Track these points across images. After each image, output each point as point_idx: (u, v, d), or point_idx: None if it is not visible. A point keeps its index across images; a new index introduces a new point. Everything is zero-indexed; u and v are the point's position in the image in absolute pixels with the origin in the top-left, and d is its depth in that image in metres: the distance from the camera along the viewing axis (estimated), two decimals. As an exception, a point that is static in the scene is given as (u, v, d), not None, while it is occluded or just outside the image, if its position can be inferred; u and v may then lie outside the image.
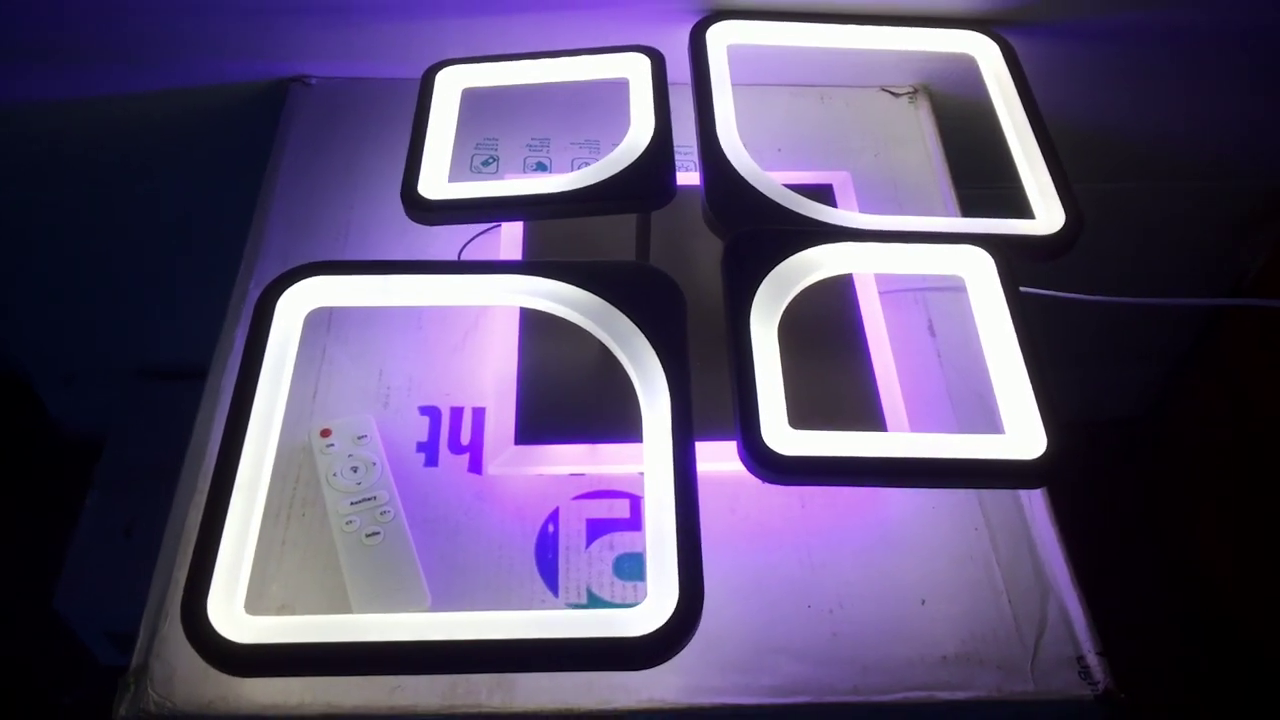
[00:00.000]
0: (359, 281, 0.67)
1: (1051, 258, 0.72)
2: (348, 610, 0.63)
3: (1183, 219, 1.10)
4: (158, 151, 0.95)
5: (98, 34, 0.86)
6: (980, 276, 0.67)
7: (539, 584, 0.65)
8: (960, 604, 0.65)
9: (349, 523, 0.65)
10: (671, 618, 0.54)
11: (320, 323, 0.77)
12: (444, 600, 0.64)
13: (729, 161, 0.73)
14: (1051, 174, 0.75)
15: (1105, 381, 1.33)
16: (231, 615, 0.55)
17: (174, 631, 0.62)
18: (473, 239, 0.81)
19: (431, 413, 0.72)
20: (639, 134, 0.73)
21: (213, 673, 0.59)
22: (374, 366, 0.75)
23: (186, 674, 0.61)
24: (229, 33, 0.87)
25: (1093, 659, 0.63)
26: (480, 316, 0.76)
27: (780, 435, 0.59)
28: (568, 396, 0.71)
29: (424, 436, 0.71)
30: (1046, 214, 0.73)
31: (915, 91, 0.93)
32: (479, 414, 0.72)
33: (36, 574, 1.10)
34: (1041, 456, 0.59)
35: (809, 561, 0.66)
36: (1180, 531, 1.34)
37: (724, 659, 0.62)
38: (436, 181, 0.71)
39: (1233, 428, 1.22)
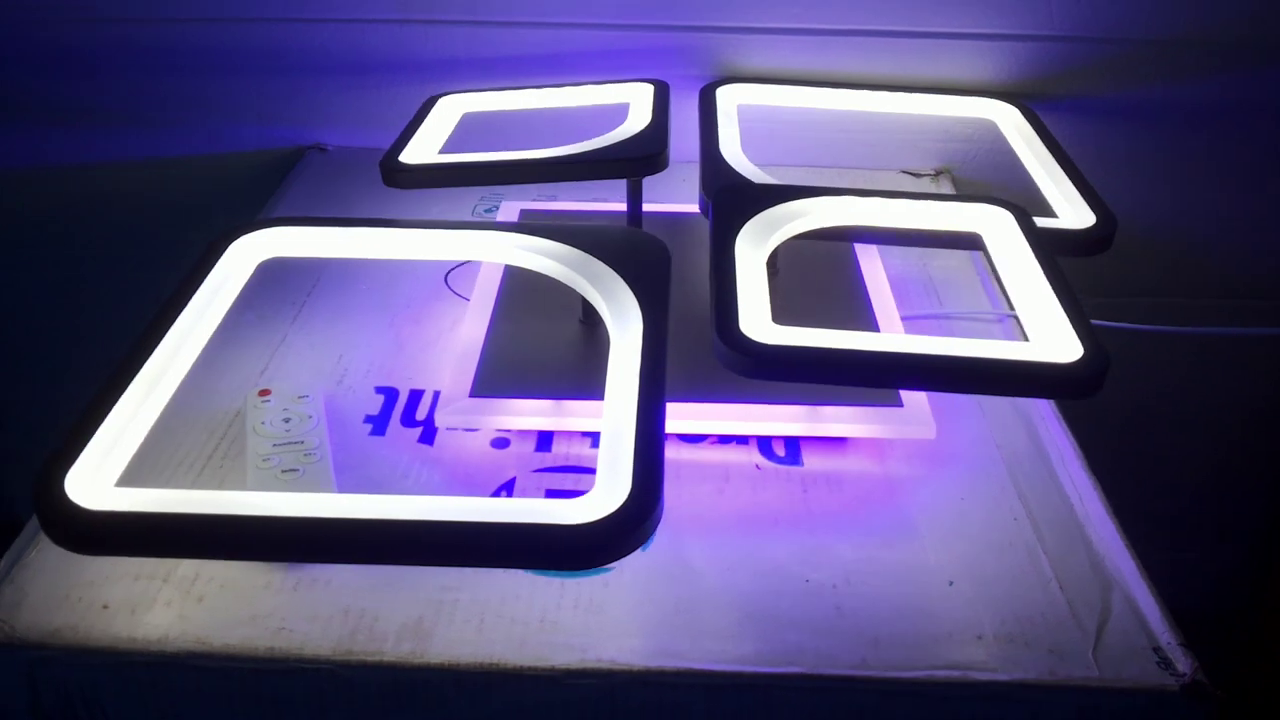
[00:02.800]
0: (317, 233, 0.63)
1: (1087, 253, 0.65)
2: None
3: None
4: (175, 218, 0.95)
5: (121, 95, 0.89)
6: (1001, 233, 0.60)
7: (480, 541, 0.54)
8: (999, 587, 0.52)
9: (266, 460, 0.56)
10: (622, 507, 0.44)
11: (286, 314, 0.71)
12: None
13: (726, 162, 0.70)
14: (1077, 187, 0.70)
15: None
16: (95, 487, 0.45)
17: (39, 558, 0.52)
18: (454, 268, 0.76)
19: (388, 392, 0.65)
20: (636, 121, 0.71)
21: (67, 601, 0.49)
22: (334, 352, 0.68)
23: (37, 601, 0.50)
24: (252, 97, 0.89)
25: (1173, 650, 0.48)
26: (459, 320, 0.70)
27: (761, 329, 0.50)
28: (535, 355, 0.63)
29: (375, 411, 0.63)
30: (1075, 217, 0.67)
31: (937, 174, 0.91)
32: (441, 395, 0.64)
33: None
34: (1079, 361, 0.49)
35: (809, 542, 0.54)
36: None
37: (697, 625, 0.50)
38: (420, 154, 0.68)
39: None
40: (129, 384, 0.51)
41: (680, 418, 0.58)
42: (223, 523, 0.44)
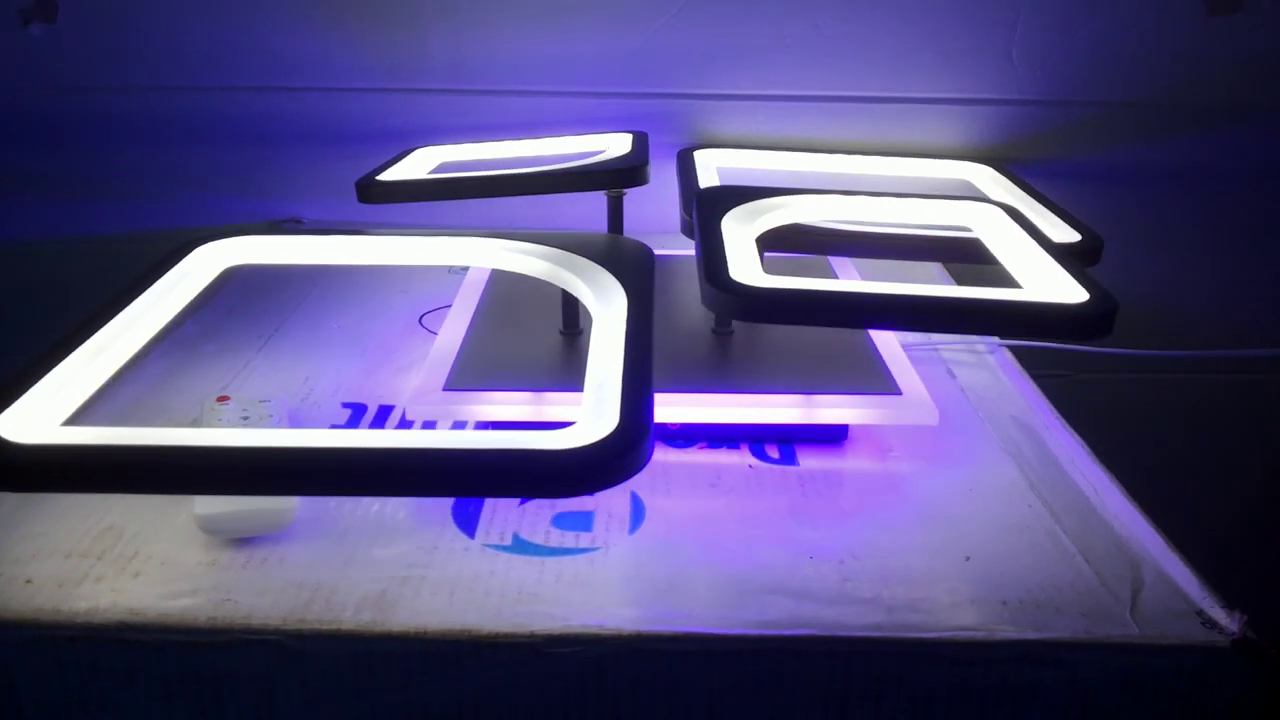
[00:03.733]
0: (285, 241, 0.61)
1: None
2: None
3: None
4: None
5: (94, 166, 0.88)
6: (994, 228, 0.59)
7: (451, 528, 0.49)
8: (1019, 561, 0.48)
9: (219, 400, 0.52)
10: (610, 436, 0.40)
11: (251, 345, 0.68)
12: (315, 534, 0.48)
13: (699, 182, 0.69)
14: (1063, 219, 0.70)
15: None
16: (35, 428, 0.42)
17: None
18: (430, 311, 0.74)
19: (356, 407, 0.61)
20: (616, 150, 0.71)
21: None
22: (300, 374, 0.64)
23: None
24: (227, 168, 0.89)
25: (1216, 612, 0.44)
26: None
27: (751, 276, 0.48)
28: (513, 356, 0.60)
29: (341, 422, 0.59)
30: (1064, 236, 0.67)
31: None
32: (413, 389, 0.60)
33: None
34: (1086, 302, 0.47)
35: (809, 528, 0.50)
36: None
37: (693, 595, 0.45)
38: (395, 176, 0.67)
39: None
40: (78, 346, 0.48)
41: (673, 406, 0.55)
42: (170, 455, 0.40)
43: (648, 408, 0.42)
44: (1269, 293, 0.92)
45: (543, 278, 0.58)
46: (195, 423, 0.57)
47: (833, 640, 0.42)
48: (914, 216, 0.60)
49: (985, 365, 0.67)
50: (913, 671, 0.42)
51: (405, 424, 0.58)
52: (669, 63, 0.84)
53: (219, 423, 0.54)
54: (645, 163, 0.66)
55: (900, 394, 0.56)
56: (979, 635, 0.42)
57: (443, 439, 0.41)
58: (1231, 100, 0.85)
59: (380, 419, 0.59)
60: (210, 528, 0.46)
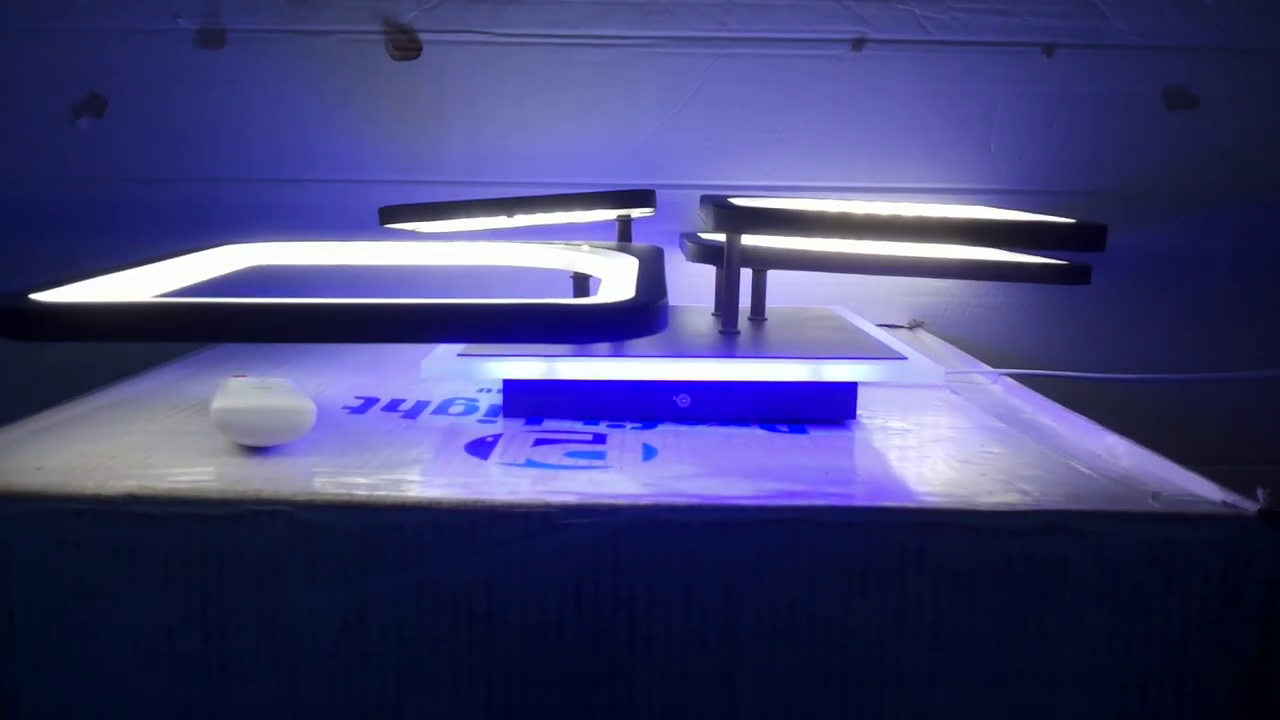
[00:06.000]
0: (305, 246, 0.64)
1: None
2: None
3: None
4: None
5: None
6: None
7: (463, 455, 0.49)
8: (1036, 470, 0.47)
9: (236, 376, 0.52)
10: (629, 300, 0.42)
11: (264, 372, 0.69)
12: (330, 449, 0.48)
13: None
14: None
15: None
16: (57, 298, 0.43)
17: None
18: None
19: (369, 400, 0.61)
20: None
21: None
22: (313, 370, 0.65)
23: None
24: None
25: (1234, 499, 0.43)
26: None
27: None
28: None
29: (355, 405, 0.60)
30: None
31: (913, 327, 0.94)
32: (425, 404, 0.61)
33: None
34: (1075, 223, 0.50)
35: (823, 464, 0.50)
36: None
37: (710, 475, 0.44)
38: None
39: None
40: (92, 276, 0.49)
41: (682, 369, 0.56)
42: (186, 310, 0.41)
43: (661, 288, 0.43)
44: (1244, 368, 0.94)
45: (555, 267, 0.60)
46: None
47: (851, 510, 0.42)
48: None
49: (988, 390, 0.68)
50: (935, 544, 0.41)
51: (414, 412, 0.59)
52: (671, 156, 0.91)
53: (234, 381, 0.55)
54: (653, 193, 0.69)
55: (905, 359, 0.57)
56: (1004, 505, 0.42)
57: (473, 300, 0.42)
58: (1197, 189, 0.91)
59: (393, 406, 0.60)
60: (226, 422, 0.46)
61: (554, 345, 0.58)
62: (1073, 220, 0.49)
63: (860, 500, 0.42)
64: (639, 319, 0.41)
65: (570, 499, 0.42)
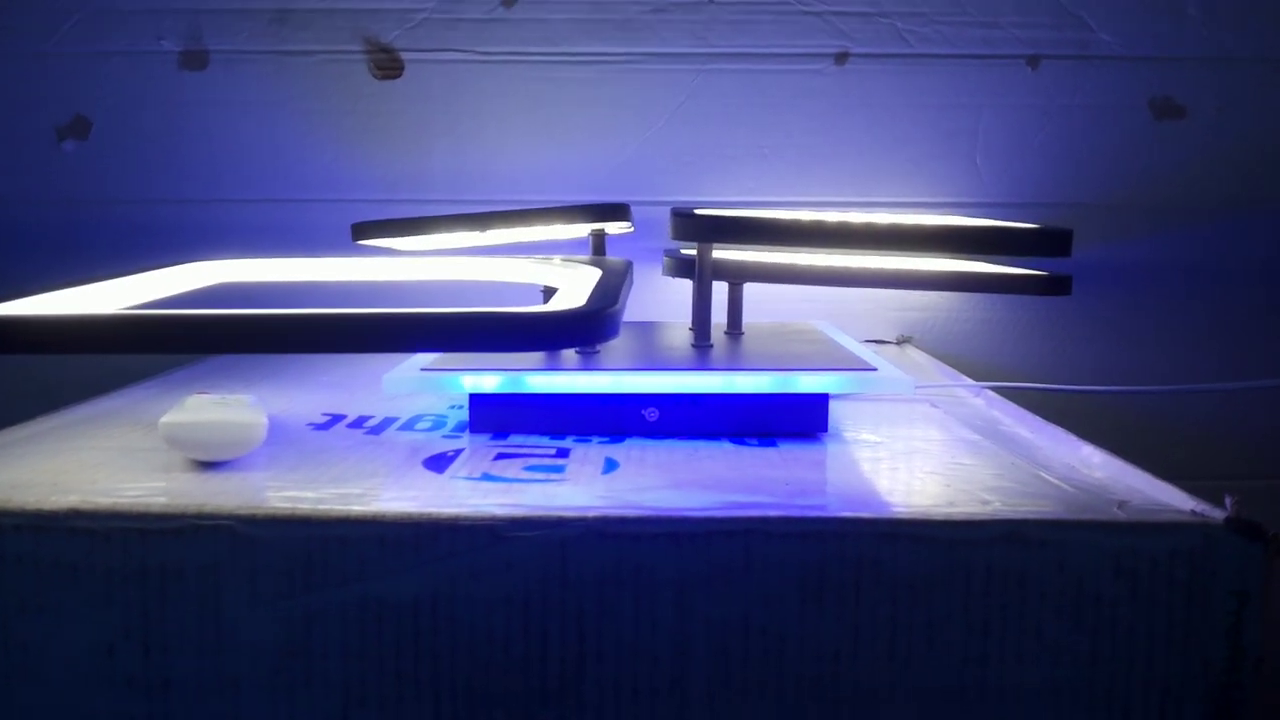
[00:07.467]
0: (270, 263, 0.64)
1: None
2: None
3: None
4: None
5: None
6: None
7: (419, 470, 0.48)
8: (1002, 482, 0.46)
9: (199, 394, 0.51)
10: (579, 307, 0.41)
11: (228, 360, 0.69)
12: (281, 465, 0.47)
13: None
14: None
15: None
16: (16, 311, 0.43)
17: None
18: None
19: (336, 416, 0.61)
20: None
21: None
22: (279, 403, 0.65)
23: (-95, 483, 0.44)
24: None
25: (1203, 508, 0.42)
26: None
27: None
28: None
29: (321, 421, 0.59)
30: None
31: (901, 342, 0.93)
32: (392, 420, 0.60)
33: None
34: (1041, 227, 0.49)
35: (784, 475, 0.49)
36: None
37: (664, 488, 0.43)
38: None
39: None
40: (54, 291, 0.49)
41: (649, 381, 0.55)
42: (154, 321, 0.40)
43: (617, 297, 0.43)
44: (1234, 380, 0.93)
45: (527, 281, 0.59)
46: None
47: (805, 521, 0.41)
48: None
49: (969, 403, 0.67)
50: (890, 555, 0.40)
51: (379, 428, 0.58)
52: (654, 173, 0.90)
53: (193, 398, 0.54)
54: (628, 213, 0.69)
55: (875, 370, 0.56)
56: (964, 514, 0.41)
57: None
58: (1184, 199, 0.89)
59: (359, 421, 0.59)
60: (174, 437, 0.45)
61: (522, 358, 0.58)
62: (1037, 225, 0.48)
63: (814, 511, 0.41)
64: (586, 326, 0.40)
65: (518, 511, 0.41)
